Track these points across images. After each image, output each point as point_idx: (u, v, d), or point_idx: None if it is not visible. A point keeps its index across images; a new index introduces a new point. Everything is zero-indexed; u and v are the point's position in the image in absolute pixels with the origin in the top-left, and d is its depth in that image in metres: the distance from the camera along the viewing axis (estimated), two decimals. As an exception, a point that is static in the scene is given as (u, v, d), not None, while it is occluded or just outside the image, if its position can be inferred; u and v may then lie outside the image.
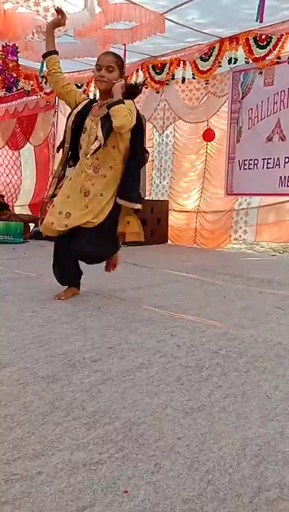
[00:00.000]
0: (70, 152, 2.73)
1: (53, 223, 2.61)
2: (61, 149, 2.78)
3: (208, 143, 6.59)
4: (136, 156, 2.67)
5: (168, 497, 1.02)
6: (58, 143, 9.49)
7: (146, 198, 6.69)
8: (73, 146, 2.70)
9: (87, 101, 2.72)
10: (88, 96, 7.33)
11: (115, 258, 3.01)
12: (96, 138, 2.54)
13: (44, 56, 2.78)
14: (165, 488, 1.05)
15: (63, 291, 2.88)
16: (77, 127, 2.65)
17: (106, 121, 2.48)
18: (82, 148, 2.65)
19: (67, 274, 2.88)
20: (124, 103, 2.47)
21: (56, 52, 2.74)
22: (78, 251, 2.68)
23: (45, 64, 2.78)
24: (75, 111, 2.67)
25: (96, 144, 2.54)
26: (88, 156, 2.59)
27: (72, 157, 2.76)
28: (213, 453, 1.20)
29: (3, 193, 8.43)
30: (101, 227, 2.64)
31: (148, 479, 1.08)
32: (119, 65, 2.59)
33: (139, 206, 2.69)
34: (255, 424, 1.35)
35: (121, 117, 2.42)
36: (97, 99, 2.77)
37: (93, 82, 2.66)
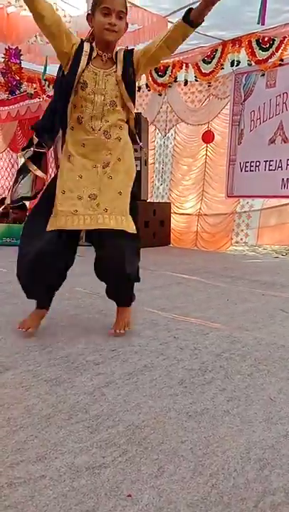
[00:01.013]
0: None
1: (76, 210, 1.98)
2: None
3: (209, 145, 6.60)
4: None
5: (172, 501, 1.02)
6: (59, 147, 9.37)
7: (148, 201, 6.69)
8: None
9: (84, 44, 2.03)
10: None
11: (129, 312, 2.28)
12: (112, 101, 2.02)
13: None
14: (169, 492, 1.04)
15: (31, 316, 2.19)
16: (70, 79, 1.99)
17: (132, 83, 2.05)
18: (85, 110, 2.01)
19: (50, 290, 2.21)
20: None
21: None
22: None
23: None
24: (70, 59, 2.00)
25: (116, 110, 2.04)
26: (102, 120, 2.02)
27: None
28: (217, 456, 1.19)
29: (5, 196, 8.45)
30: None
31: (152, 483, 1.07)
32: (127, 11, 2.04)
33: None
34: (259, 428, 1.34)
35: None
36: (90, 44, 2.06)
37: (95, 31, 2.04)
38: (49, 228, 2.00)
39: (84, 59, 2.00)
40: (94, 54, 2.03)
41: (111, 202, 2.02)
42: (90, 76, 2.00)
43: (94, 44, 2.06)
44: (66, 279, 2.21)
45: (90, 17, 2.07)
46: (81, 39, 2.07)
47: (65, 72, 2.03)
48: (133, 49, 2.13)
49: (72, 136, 2.07)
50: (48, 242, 2.00)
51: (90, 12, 2.08)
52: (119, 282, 2.18)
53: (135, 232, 2.09)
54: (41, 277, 2.09)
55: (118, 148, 2.07)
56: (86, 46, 2.03)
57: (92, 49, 2.04)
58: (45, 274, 2.07)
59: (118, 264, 2.06)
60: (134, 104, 2.09)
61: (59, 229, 1.99)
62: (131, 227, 2.07)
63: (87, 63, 2.01)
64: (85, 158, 2.04)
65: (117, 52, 2.07)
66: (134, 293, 2.29)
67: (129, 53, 2.07)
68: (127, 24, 2.06)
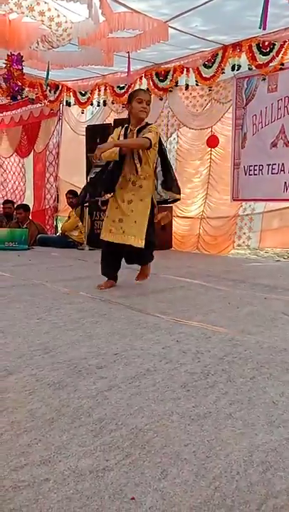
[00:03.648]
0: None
1: (111, 230, 3.26)
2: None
3: (213, 149, 6.62)
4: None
5: (175, 504, 1.02)
6: (61, 150, 9.40)
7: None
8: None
9: (123, 130, 3.30)
10: (92, 103, 7.46)
11: (148, 269, 3.55)
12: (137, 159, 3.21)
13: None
14: (172, 495, 1.05)
15: (107, 282, 3.43)
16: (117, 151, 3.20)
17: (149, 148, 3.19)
18: (125, 167, 3.25)
19: (111, 269, 3.46)
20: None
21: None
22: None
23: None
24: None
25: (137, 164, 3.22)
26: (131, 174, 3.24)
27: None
28: (220, 459, 1.20)
29: (11, 199, 8.50)
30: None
31: (155, 486, 1.08)
32: (151, 101, 3.29)
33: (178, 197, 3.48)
34: (261, 431, 1.35)
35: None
36: (127, 125, 3.31)
37: (133, 112, 3.23)
38: (100, 237, 3.37)
39: (122, 135, 3.28)
40: (128, 130, 3.27)
41: (128, 227, 3.21)
42: None
43: (130, 124, 3.28)
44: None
45: (127, 105, 3.29)
46: (123, 125, 3.34)
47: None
48: (151, 124, 3.29)
49: (119, 183, 3.29)
50: (104, 245, 3.42)
51: (127, 102, 3.30)
52: (141, 262, 3.52)
53: (141, 246, 3.20)
54: (110, 263, 3.43)
55: (140, 192, 3.25)
56: (123, 130, 3.29)
57: (126, 128, 3.28)
58: (110, 261, 3.42)
59: (136, 254, 3.36)
60: (146, 161, 3.20)
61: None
62: (137, 243, 3.19)
63: (125, 137, 3.27)
64: (120, 197, 3.27)
65: (142, 126, 3.22)
66: (152, 256, 3.46)
67: (144, 127, 3.20)
68: (149, 109, 3.24)
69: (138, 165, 3.20)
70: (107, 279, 3.45)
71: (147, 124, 3.24)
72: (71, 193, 6.96)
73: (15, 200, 8.92)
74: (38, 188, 8.95)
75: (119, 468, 1.15)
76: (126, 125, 3.32)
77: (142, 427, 1.35)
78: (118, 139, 3.28)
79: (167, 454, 1.22)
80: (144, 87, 7.11)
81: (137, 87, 7.19)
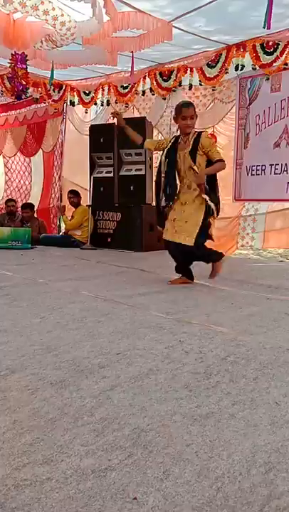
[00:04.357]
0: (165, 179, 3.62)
1: (168, 229, 3.57)
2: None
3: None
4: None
5: (177, 504, 1.02)
6: (65, 150, 9.42)
7: (153, 204, 6.71)
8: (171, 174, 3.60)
9: (173, 139, 3.65)
10: (96, 103, 7.46)
11: (217, 266, 3.70)
12: (190, 166, 3.50)
13: (142, 145, 3.81)
14: (174, 495, 1.05)
15: (180, 278, 3.68)
16: (170, 160, 3.57)
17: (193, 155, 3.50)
18: (181, 173, 3.57)
19: (179, 266, 3.69)
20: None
21: (144, 139, 3.87)
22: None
23: (145, 144, 3.80)
24: (166, 149, 3.62)
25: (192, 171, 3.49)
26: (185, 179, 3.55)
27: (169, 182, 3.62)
28: (222, 460, 1.19)
29: (15, 198, 8.51)
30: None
31: (157, 486, 1.08)
32: (196, 114, 3.58)
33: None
34: (264, 432, 1.34)
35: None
36: (178, 135, 3.65)
37: (180, 128, 3.58)
38: (163, 236, 3.67)
39: (171, 143, 3.63)
40: (179, 141, 3.58)
41: (179, 226, 3.50)
42: (180, 155, 3.56)
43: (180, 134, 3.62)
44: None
45: (175, 119, 3.63)
46: (175, 136, 3.71)
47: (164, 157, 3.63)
48: (201, 132, 3.58)
49: (180, 188, 3.60)
50: (164, 244, 3.71)
51: (175, 114, 3.62)
52: (198, 258, 3.67)
53: (191, 244, 3.44)
54: (175, 260, 3.68)
55: (193, 194, 3.51)
56: (174, 139, 3.64)
57: (177, 138, 3.62)
58: (174, 259, 3.67)
59: (187, 253, 3.56)
60: (200, 166, 3.48)
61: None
62: (187, 241, 3.45)
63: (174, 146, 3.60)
64: (178, 199, 3.58)
65: (196, 136, 3.50)
66: (215, 253, 3.66)
67: (197, 136, 3.50)
68: (196, 116, 3.58)
69: (195, 168, 3.48)
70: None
71: (198, 132, 3.56)
72: (72, 193, 6.97)
73: (19, 199, 8.93)
74: (46, 186, 8.97)
75: (122, 468, 1.14)
76: (177, 136, 3.68)
77: (145, 426, 1.35)
78: (167, 147, 3.62)
79: (169, 454, 1.21)
80: (147, 86, 7.11)
81: (140, 87, 7.20)
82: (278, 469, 1.16)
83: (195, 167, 3.47)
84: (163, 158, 3.62)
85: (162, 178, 3.64)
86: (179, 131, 3.67)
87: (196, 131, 3.58)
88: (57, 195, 8.80)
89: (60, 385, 1.63)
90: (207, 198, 3.48)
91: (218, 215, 3.63)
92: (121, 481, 1.09)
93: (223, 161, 3.53)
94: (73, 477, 1.11)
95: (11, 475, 1.11)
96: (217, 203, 3.59)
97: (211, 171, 3.50)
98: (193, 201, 3.51)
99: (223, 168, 3.58)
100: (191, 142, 3.50)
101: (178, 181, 3.58)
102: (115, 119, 3.98)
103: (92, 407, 1.47)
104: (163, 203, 3.65)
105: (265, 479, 1.11)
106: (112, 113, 4.14)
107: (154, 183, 3.86)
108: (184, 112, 3.50)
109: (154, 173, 7.11)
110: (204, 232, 3.52)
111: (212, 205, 3.50)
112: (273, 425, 1.38)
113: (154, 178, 3.86)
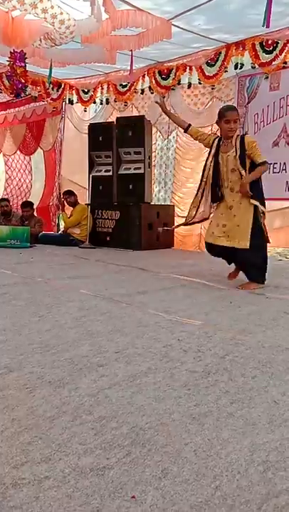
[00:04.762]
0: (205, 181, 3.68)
1: (213, 233, 3.61)
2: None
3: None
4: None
5: (175, 502, 1.02)
6: (64, 148, 9.35)
7: (152, 203, 6.71)
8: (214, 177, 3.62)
9: (216, 140, 3.64)
10: (95, 101, 7.45)
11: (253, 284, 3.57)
12: (233, 169, 3.50)
13: (186, 130, 3.85)
14: (172, 494, 1.05)
15: (234, 271, 3.76)
16: (215, 163, 3.59)
17: (241, 158, 3.46)
18: (223, 176, 3.57)
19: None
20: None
21: (190, 125, 3.84)
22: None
23: (190, 130, 3.81)
24: (212, 154, 3.63)
25: (235, 173, 3.49)
26: (229, 181, 3.54)
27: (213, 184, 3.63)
28: (220, 459, 1.19)
29: (10, 197, 8.47)
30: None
31: (155, 484, 1.08)
32: (239, 117, 3.65)
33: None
34: (262, 430, 1.34)
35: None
36: (219, 136, 3.67)
37: (222, 131, 3.58)
38: (205, 240, 3.79)
39: (214, 147, 3.62)
40: (221, 143, 3.58)
41: (230, 231, 3.51)
42: (222, 157, 3.57)
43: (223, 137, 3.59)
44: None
45: (218, 122, 3.63)
46: (217, 136, 3.72)
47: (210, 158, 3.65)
48: (244, 135, 3.63)
49: (223, 189, 3.60)
50: (205, 247, 3.81)
51: (218, 118, 3.57)
52: (244, 267, 3.63)
53: (247, 247, 3.42)
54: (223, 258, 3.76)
55: (237, 197, 3.49)
56: (216, 141, 3.63)
57: (220, 139, 3.61)
58: (219, 256, 3.75)
59: (242, 258, 3.55)
60: (246, 169, 3.46)
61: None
62: (242, 245, 3.43)
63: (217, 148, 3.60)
64: (223, 203, 3.59)
65: (233, 139, 3.50)
66: (261, 278, 3.56)
67: (242, 139, 3.48)
68: (239, 120, 3.69)
69: (243, 172, 3.46)
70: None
71: (241, 136, 3.56)
72: (66, 194, 6.97)
73: (20, 198, 8.90)
74: (48, 184, 8.95)
75: (120, 467, 1.14)
76: (219, 137, 3.67)
77: (143, 425, 1.35)
78: (211, 150, 3.65)
79: (168, 452, 1.21)
80: (146, 85, 7.09)
81: (139, 85, 7.19)
82: (277, 468, 1.16)
83: (243, 171, 3.44)
84: (209, 161, 3.63)
85: (203, 180, 3.67)
86: (219, 133, 3.67)
87: (238, 135, 3.56)
88: (55, 194, 8.79)
89: (58, 384, 1.63)
90: (255, 203, 3.43)
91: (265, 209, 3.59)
92: (119, 480, 1.09)
93: (266, 162, 3.50)
94: (71, 475, 1.10)
95: (9, 473, 1.11)
96: (262, 199, 3.53)
97: (254, 177, 3.46)
98: (240, 203, 3.48)
99: (266, 170, 3.56)
100: (238, 146, 3.47)
101: (221, 184, 3.59)
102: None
103: (90, 405, 1.47)
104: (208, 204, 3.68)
105: (264, 478, 1.11)
106: (156, 101, 4.19)
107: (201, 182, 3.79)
108: (228, 115, 3.49)
109: (153, 172, 7.21)
110: (259, 235, 3.46)
111: (261, 207, 3.45)
112: (272, 424, 1.38)
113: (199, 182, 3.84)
